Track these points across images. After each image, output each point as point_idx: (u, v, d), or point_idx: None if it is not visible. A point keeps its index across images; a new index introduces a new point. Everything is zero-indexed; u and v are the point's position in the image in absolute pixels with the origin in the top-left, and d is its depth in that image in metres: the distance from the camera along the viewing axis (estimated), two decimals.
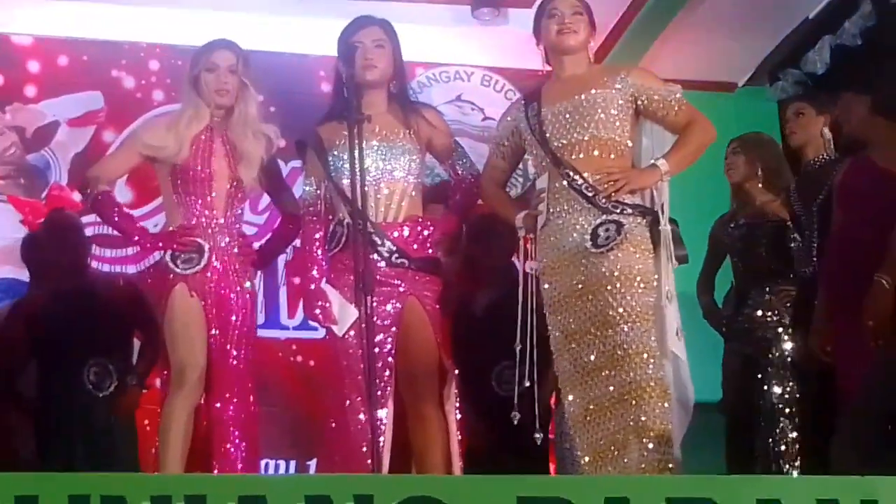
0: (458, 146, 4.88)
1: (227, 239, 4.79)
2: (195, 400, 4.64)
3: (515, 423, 4.42)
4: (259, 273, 5.26)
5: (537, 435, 4.44)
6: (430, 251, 4.65)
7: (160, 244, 4.82)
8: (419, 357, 4.53)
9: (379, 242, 4.50)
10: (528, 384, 4.38)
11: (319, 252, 4.66)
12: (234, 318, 4.73)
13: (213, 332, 4.68)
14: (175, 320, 4.67)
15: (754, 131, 5.93)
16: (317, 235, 4.69)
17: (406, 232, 4.59)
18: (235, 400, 4.69)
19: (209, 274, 4.71)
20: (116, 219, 4.85)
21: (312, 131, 4.75)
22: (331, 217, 4.69)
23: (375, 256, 4.46)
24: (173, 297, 4.67)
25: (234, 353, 4.72)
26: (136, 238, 4.94)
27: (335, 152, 4.63)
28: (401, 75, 4.78)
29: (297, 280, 6.49)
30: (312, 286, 4.60)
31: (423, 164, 4.80)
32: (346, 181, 4.53)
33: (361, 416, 4.36)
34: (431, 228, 4.67)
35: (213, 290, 4.70)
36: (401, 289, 4.53)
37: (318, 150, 4.69)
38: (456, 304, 5.03)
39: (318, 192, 4.71)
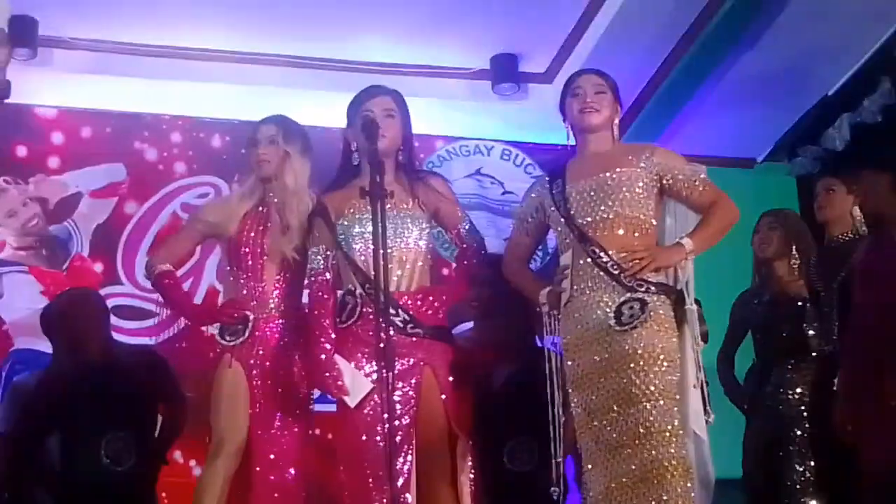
0: (464, 213, 4.86)
1: (277, 313, 4.77)
2: (232, 466, 4.60)
3: (555, 498, 4.38)
4: None
5: None
6: (442, 319, 4.64)
7: (208, 318, 4.91)
8: (432, 433, 4.51)
9: (393, 312, 4.44)
10: (559, 460, 4.37)
11: (327, 321, 4.58)
12: (280, 389, 4.69)
13: (257, 403, 4.67)
14: (219, 392, 4.67)
15: (778, 207, 5.90)
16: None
17: (419, 301, 4.58)
18: (279, 464, 4.65)
19: (256, 346, 4.71)
20: (175, 297, 4.89)
21: (318, 201, 4.75)
22: (338, 287, 4.64)
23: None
24: (219, 369, 4.69)
25: (279, 423, 4.69)
26: (190, 314, 5.01)
27: (344, 222, 4.62)
28: (409, 145, 4.77)
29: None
30: (323, 356, 4.52)
31: (432, 234, 4.77)
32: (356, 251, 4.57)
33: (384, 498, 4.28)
34: (443, 297, 4.67)
35: (258, 363, 4.69)
36: (418, 360, 4.50)
37: (325, 220, 4.67)
38: (474, 377, 4.99)
39: (327, 261, 4.65)
